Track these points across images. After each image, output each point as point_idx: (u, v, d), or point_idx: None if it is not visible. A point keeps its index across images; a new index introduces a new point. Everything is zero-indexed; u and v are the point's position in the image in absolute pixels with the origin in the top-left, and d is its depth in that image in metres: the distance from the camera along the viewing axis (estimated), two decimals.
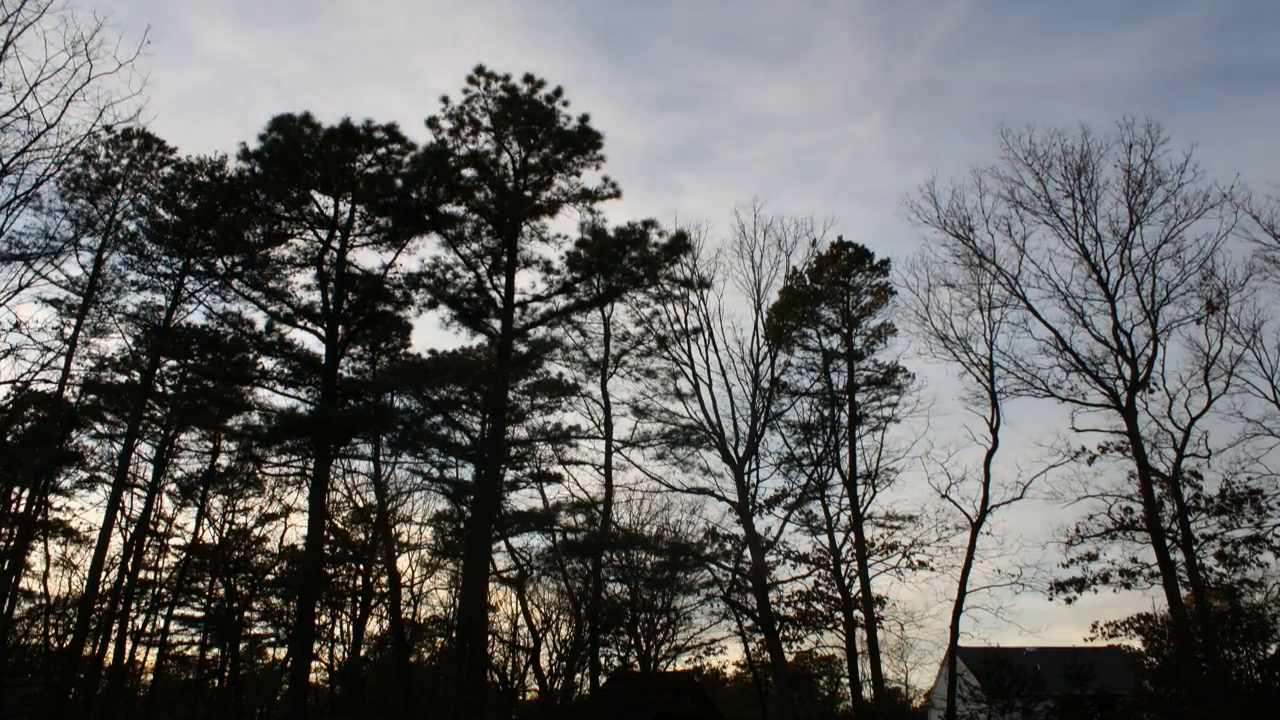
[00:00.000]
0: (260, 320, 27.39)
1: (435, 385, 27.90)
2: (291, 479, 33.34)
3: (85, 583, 27.92)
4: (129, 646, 33.41)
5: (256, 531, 36.08)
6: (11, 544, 27.24)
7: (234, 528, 35.35)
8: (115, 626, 30.60)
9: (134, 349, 29.13)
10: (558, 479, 31.98)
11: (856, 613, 30.78)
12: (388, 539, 32.78)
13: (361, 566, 35.29)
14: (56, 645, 32.00)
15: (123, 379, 29.01)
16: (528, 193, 26.35)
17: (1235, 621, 24.00)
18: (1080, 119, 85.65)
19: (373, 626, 38.95)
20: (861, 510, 31.19)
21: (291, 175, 24.26)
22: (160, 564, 34.81)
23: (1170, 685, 23.64)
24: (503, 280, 26.05)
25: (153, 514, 31.02)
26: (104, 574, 28.71)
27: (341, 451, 29.00)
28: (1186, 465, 26.10)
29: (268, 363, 27.79)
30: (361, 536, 35.29)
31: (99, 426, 29.25)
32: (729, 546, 32.26)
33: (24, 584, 30.89)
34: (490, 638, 32.74)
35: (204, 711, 38.92)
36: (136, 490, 30.91)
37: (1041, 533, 56.16)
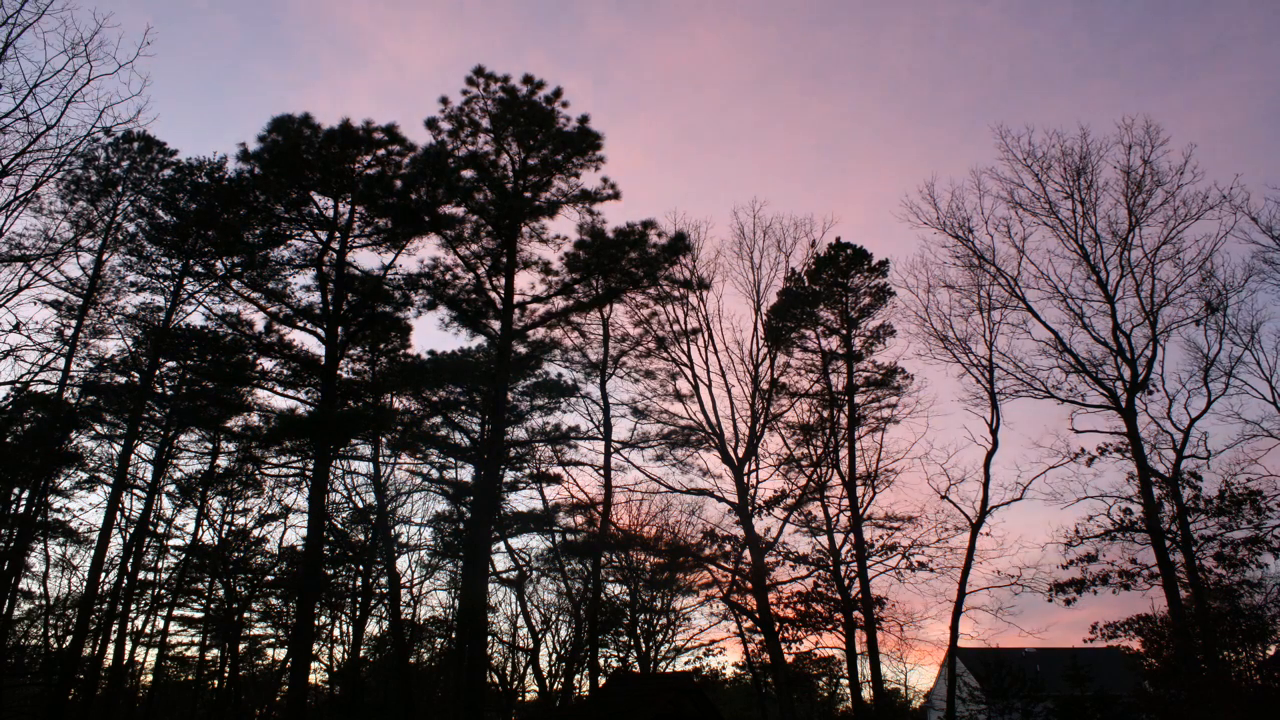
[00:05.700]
0: (260, 321, 27.52)
1: (434, 386, 27.99)
2: (291, 480, 33.41)
3: (85, 583, 27.96)
4: (129, 647, 33.45)
5: (256, 532, 36.12)
6: (11, 544, 27.28)
7: (233, 528, 35.37)
8: (115, 627, 30.61)
9: (133, 350, 29.19)
10: (557, 480, 32.04)
11: (856, 614, 30.78)
12: (387, 540, 32.80)
13: (361, 567, 35.32)
14: (56, 646, 32.05)
15: (122, 380, 29.05)
16: (527, 194, 26.35)
17: (1235, 622, 23.98)
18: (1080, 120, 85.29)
19: (372, 627, 39.10)
20: (861, 511, 31.19)
21: (291, 176, 24.26)
22: (160, 564, 34.87)
23: (1170, 686, 23.66)
24: (502, 281, 26.04)
25: (152, 515, 31.03)
26: (104, 574, 28.78)
27: (341, 452, 29.06)
28: (1186, 466, 26.08)
29: (267, 364, 27.80)
30: (361, 537, 35.32)
31: (98, 427, 29.28)
32: (728, 547, 32.27)
33: (24, 584, 30.98)
34: (490, 638, 32.83)
35: (204, 712, 38.94)
36: (136, 491, 30.96)
37: (1041, 534, 56.11)
